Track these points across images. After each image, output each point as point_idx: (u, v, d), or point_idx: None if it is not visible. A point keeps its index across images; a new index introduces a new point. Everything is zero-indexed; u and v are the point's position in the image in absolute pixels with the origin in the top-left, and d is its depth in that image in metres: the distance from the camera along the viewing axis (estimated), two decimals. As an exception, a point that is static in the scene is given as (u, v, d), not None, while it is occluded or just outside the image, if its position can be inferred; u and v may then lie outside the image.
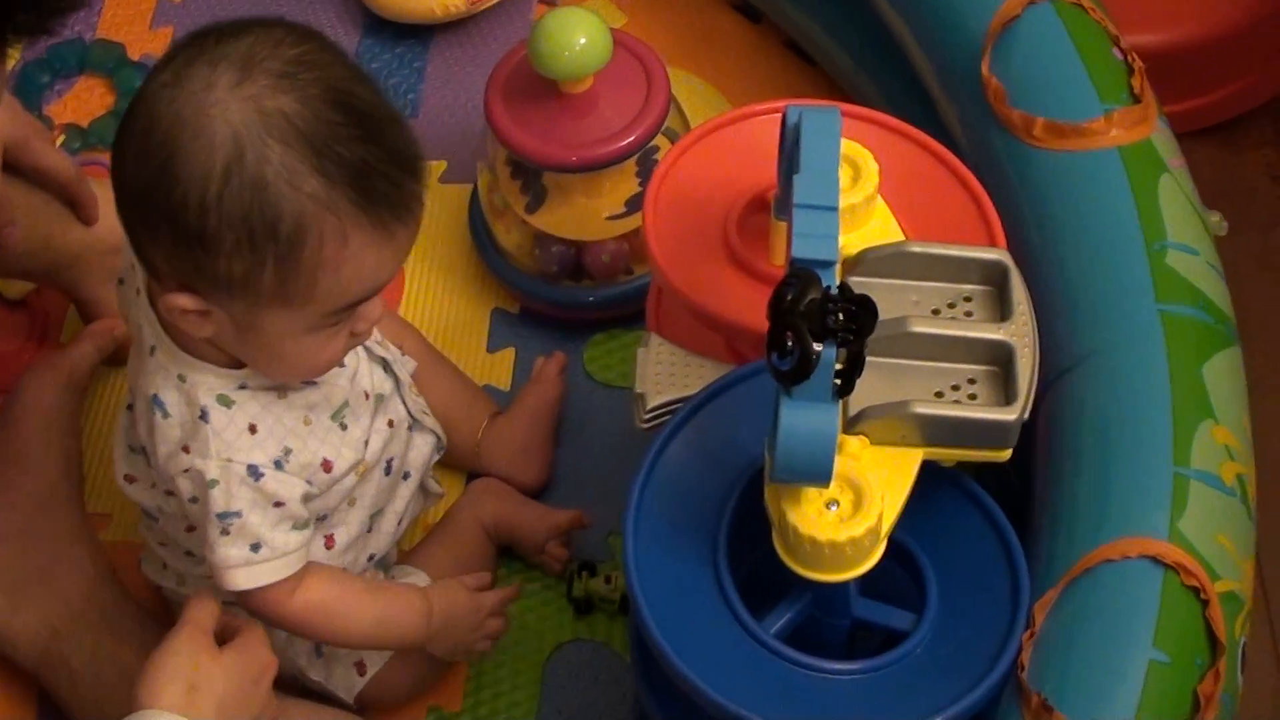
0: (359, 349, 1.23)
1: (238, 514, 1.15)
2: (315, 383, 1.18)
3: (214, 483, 1.14)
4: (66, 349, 1.47)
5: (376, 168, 1.06)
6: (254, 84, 1.04)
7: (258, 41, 1.06)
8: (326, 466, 1.19)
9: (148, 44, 1.81)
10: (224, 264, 1.06)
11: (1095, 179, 1.22)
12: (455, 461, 1.45)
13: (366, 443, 1.22)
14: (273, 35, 1.07)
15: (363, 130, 1.06)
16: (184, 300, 1.08)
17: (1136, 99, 1.25)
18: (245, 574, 1.17)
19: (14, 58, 1.79)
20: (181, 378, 1.15)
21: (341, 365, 1.20)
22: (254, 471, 1.15)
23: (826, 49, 1.70)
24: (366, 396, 1.23)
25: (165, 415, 1.16)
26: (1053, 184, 1.23)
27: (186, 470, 1.15)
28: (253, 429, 1.16)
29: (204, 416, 1.15)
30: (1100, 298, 1.16)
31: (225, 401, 1.15)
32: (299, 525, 1.18)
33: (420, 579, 1.34)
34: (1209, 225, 1.24)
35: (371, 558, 1.31)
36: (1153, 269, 1.16)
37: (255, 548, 1.16)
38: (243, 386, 1.16)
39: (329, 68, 1.07)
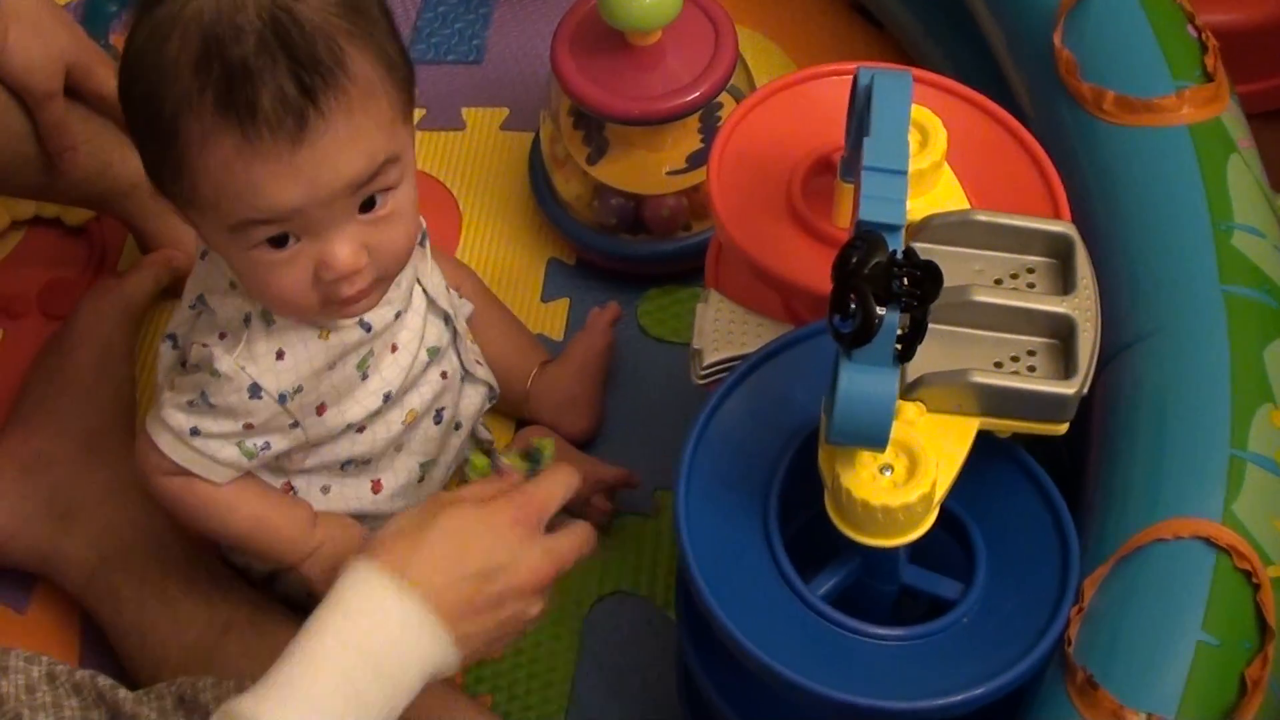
0: (419, 300, 1.23)
1: (211, 406, 1.16)
2: (365, 326, 1.18)
3: (216, 374, 1.15)
4: (124, 278, 1.48)
5: (260, 73, 1.00)
6: None
7: None
8: (320, 410, 1.20)
9: (215, -22, 1.81)
10: (142, 150, 1.08)
11: (1164, 156, 1.21)
12: (505, 408, 1.45)
13: (388, 395, 1.21)
14: None
15: (275, 37, 1.01)
16: (151, 192, 1.10)
17: (1209, 77, 1.24)
18: (170, 442, 1.18)
19: (82, -14, 1.80)
20: (234, 284, 1.16)
21: (399, 313, 1.20)
22: (255, 390, 1.16)
23: (894, 13, 1.69)
24: (393, 349, 1.21)
25: (211, 312, 1.17)
26: (1120, 159, 1.22)
27: (205, 345, 1.16)
28: (280, 355, 1.16)
29: (247, 321, 1.15)
30: (1164, 276, 1.15)
31: (268, 318, 1.16)
32: (247, 452, 1.19)
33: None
34: (1276, 208, 1.23)
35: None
36: (1218, 249, 1.15)
37: (194, 432, 1.17)
38: None
39: None
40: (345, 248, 1.07)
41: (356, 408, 1.21)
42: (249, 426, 1.18)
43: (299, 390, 1.17)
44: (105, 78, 1.41)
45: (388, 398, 1.22)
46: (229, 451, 1.19)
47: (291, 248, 1.07)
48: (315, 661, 0.98)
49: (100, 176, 1.46)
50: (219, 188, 1.04)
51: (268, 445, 1.20)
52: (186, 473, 1.19)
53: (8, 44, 1.30)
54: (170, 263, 1.50)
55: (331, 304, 1.11)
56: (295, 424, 1.19)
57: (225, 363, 1.15)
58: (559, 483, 1.14)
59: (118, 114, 1.43)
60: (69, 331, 1.45)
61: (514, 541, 1.08)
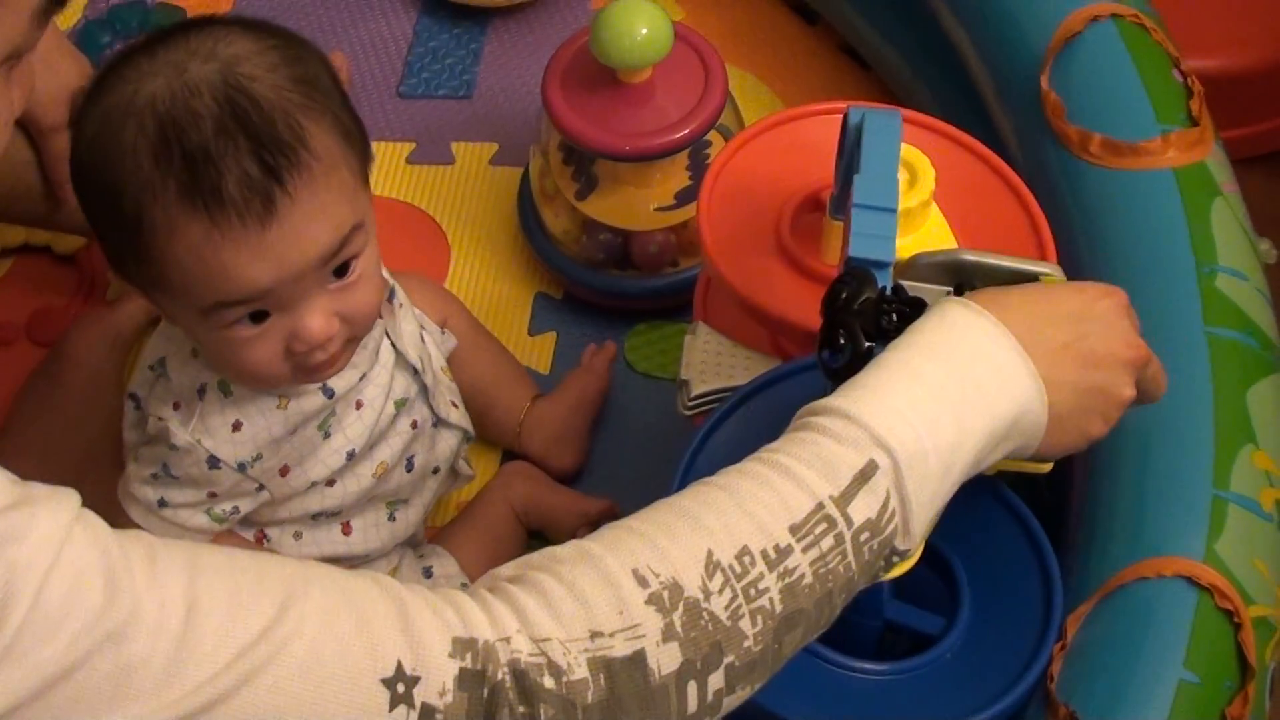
0: (387, 356, 1.22)
1: (174, 477, 1.17)
2: (328, 393, 1.17)
3: (174, 448, 1.16)
4: (114, 307, 1.48)
5: (221, 158, 1.00)
6: (181, 77, 1.02)
7: (221, 38, 1.04)
8: (283, 472, 1.19)
9: (209, 8, 1.82)
10: (102, 239, 1.07)
11: (1149, 199, 1.22)
12: (493, 439, 1.46)
13: (351, 453, 1.20)
14: (233, 32, 1.05)
15: (234, 119, 1.00)
16: (112, 275, 1.09)
17: (1194, 121, 1.25)
18: (140, 514, 1.19)
19: (76, 16, 1.81)
20: (195, 352, 1.16)
21: (363, 373, 1.19)
22: (214, 462, 1.16)
23: (882, 54, 1.70)
24: (358, 406, 1.20)
25: (168, 379, 1.17)
26: (1106, 201, 1.23)
27: (161, 419, 1.16)
28: (237, 426, 1.16)
29: (201, 393, 1.15)
30: (1148, 317, 1.14)
31: (225, 389, 1.16)
32: (216, 518, 1.19)
33: (447, 561, 1.35)
34: (1259, 252, 1.24)
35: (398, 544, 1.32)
36: (1202, 292, 1.17)
37: (162, 503, 1.18)
38: None
39: (243, 62, 1.03)
40: (317, 319, 1.08)
41: (320, 467, 1.20)
42: (213, 494, 1.18)
43: (258, 458, 1.17)
44: None
45: (351, 455, 1.21)
46: (199, 519, 1.19)
47: (264, 324, 1.07)
48: (885, 365, 0.90)
49: None
50: (189, 274, 1.03)
51: (236, 510, 1.20)
52: None
53: None
54: (159, 292, 1.50)
55: (302, 371, 1.12)
56: (260, 487, 1.20)
57: (181, 437, 1.15)
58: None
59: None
60: (58, 359, 1.45)
61: (1106, 310, 0.98)
